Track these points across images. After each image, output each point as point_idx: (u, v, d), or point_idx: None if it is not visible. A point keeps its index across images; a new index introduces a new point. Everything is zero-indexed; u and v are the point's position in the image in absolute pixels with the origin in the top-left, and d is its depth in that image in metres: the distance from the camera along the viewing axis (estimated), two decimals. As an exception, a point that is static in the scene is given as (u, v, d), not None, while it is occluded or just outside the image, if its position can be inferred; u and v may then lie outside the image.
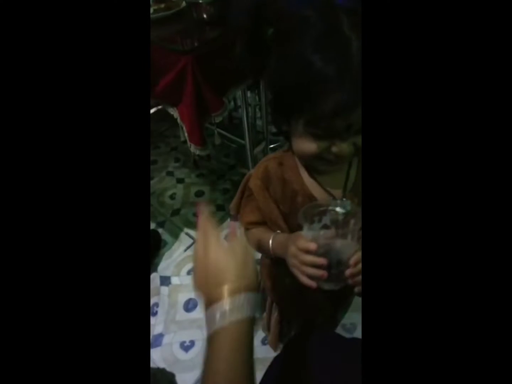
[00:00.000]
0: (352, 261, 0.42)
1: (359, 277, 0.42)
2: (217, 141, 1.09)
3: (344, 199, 0.53)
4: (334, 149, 0.42)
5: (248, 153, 1.28)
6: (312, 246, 0.42)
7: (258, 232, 0.58)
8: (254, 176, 0.55)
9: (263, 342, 1.03)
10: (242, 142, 1.38)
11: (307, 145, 0.43)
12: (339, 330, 0.94)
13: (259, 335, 1.04)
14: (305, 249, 0.44)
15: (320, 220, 0.45)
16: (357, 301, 1.08)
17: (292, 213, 0.54)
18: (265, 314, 0.88)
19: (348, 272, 0.42)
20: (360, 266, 0.42)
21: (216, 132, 1.07)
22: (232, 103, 1.83)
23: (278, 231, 0.56)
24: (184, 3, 1.06)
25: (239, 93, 1.17)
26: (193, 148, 0.98)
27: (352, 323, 1.03)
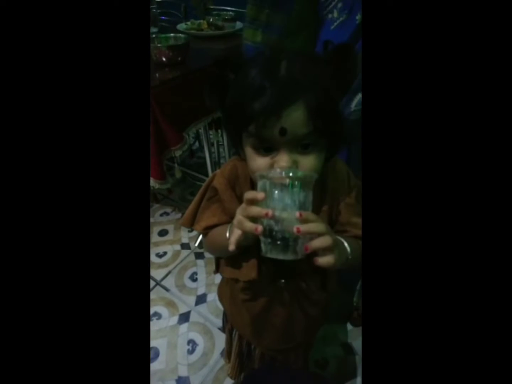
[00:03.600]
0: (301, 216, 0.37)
1: (313, 243, 0.38)
2: (178, 174, 1.09)
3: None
4: (276, 165, 0.41)
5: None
6: (260, 195, 0.38)
7: (216, 231, 0.52)
8: (219, 175, 0.52)
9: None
10: (207, 179, 1.39)
11: (254, 163, 0.44)
12: (310, 365, 0.88)
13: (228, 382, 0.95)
14: (252, 199, 0.39)
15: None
16: (330, 333, 1.04)
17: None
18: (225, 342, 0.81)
19: (295, 227, 0.36)
20: (311, 225, 0.37)
21: (176, 166, 1.07)
22: (197, 143, 1.87)
23: None
24: (144, 48, 1.11)
25: (202, 132, 1.21)
26: (152, 182, 0.96)
27: (324, 357, 0.98)
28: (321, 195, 0.52)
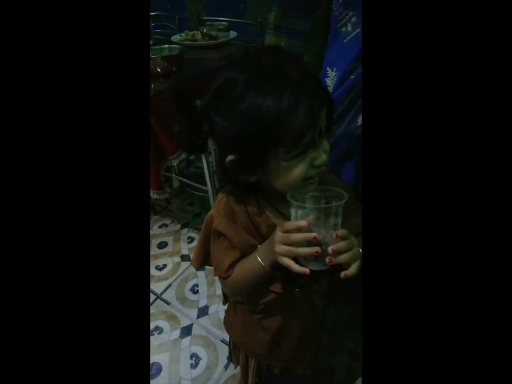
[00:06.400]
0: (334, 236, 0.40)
1: (341, 257, 0.41)
2: (176, 184, 1.08)
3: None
4: (316, 162, 0.42)
5: (212, 200, 1.27)
6: (303, 223, 0.39)
7: (242, 266, 0.51)
8: (216, 214, 0.50)
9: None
10: (205, 188, 1.38)
11: (294, 173, 0.42)
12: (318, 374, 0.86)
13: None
14: (295, 228, 0.40)
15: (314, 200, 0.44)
16: (337, 342, 1.02)
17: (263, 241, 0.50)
18: (239, 368, 0.79)
19: (330, 248, 0.40)
20: (342, 244, 0.40)
21: (173, 175, 1.06)
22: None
23: None
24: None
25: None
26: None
27: (331, 366, 0.96)
28: None
